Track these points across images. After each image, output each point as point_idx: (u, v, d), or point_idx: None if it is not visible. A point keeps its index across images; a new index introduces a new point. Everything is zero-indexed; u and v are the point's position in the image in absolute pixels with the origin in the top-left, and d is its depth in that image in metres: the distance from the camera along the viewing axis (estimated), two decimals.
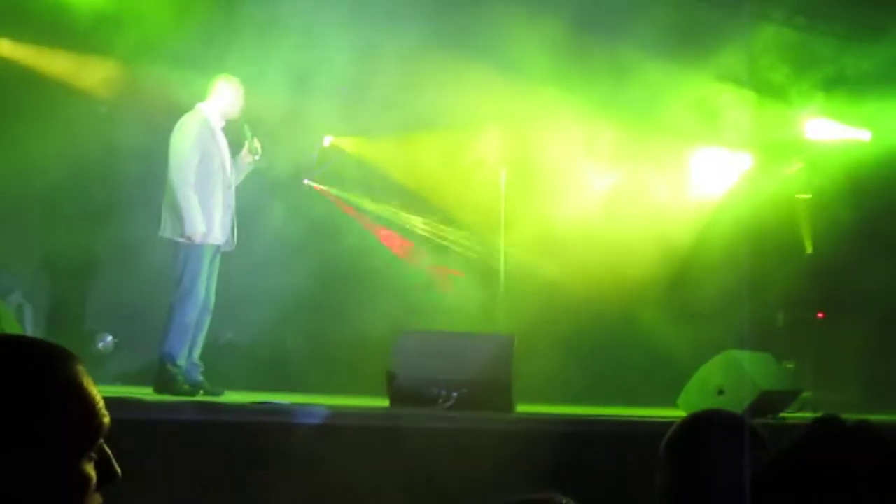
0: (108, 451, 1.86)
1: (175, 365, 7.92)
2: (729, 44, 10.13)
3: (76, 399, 1.80)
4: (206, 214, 7.95)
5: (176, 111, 8.37)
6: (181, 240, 7.93)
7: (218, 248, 8.15)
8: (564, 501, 1.87)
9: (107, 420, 1.86)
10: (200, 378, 8.07)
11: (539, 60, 10.00)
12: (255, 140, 8.28)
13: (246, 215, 8.61)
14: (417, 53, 9.87)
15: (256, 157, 8.31)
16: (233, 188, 8.22)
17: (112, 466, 1.86)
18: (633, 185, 11.47)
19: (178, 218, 7.91)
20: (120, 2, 9.36)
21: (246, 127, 8.29)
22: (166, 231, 8.03)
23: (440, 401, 7.23)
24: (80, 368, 1.84)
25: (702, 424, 2.94)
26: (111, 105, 10.48)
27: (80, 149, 10.00)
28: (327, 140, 11.69)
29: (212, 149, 8.06)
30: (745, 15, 9.77)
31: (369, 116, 11.18)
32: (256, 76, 8.97)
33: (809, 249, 12.36)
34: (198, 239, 7.90)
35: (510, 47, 9.89)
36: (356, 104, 10.89)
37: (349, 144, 11.85)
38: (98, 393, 1.86)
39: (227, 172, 8.16)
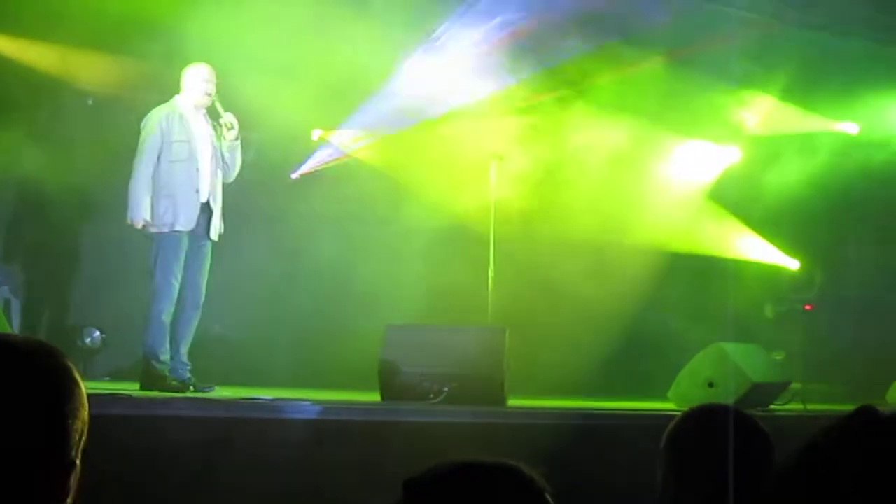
0: None
1: (158, 361, 7.85)
2: (716, 39, 10.11)
3: (75, 398, 1.81)
4: (169, 202, 7.90)
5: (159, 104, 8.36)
6: (138, 227, 7.94)
7: (199, 238, 8.06)
8: (523, 469, 1.84)
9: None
10: (188, 375, 7.99)
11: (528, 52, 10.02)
12: (228, 115, 8.14)
13: (233, 209, 8.54)
14: (407, 44, 9.85)
15: (232, 132, 8.14)
16: (212, 175, 8.09)
17: None
18: (622, 177, 11.45)
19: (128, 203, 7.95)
20: None
21: (216, 104, 8.15)
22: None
23: (432, 395, 7.21)
24: (70, 365, 1.85)
25: (703, 419, 2.93)
26: (98, 97, 10.41)
27: (65, 141, 9.97)
28: (316, 133, 11.65)
29: (179, 136, 7.99)
30: (733, 9, 9.76)
31: (359, 109, 11.15)
32: (243, 69, 8.92)
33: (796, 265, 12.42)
34: (139, 225, 7.88)
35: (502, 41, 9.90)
36: (345, 97, 10.85)
37: (337, 137, 11.81)
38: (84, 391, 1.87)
39: (203, 159, 8.05)
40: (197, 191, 8.00)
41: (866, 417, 1.59)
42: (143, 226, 7.91)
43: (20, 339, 1.90)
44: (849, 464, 1.52)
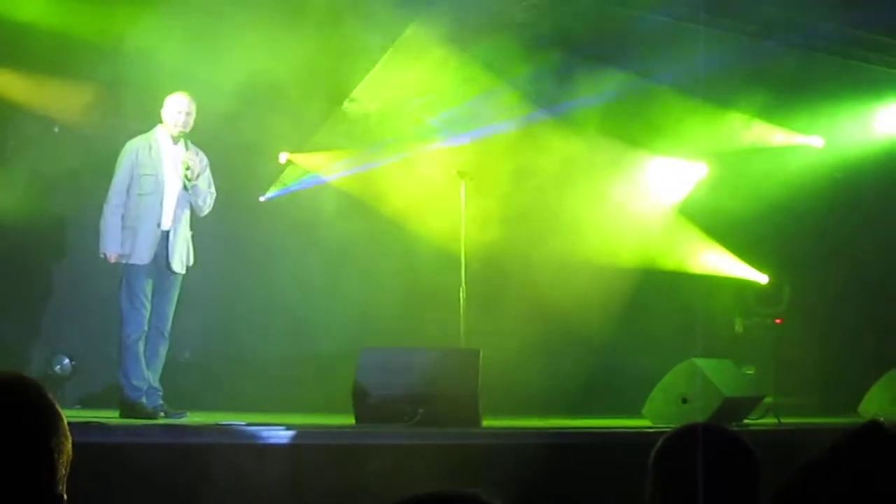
0: None
1: (131, 386, 7.87)
2: (682, 53, 10.16)
3: (59, 431, 1.79)
4: (130, 234, 7.95)
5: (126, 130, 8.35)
6: (111, 261, 8.01)
7: (164, 268, 8.03)
8: (483, 498, 1.83)
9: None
10: (160, 401, 8.00)
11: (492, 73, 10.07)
12: (188, 154, 8.04)
13: (202, 234, 8.52)
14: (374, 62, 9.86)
15: (189, 172, 8.04)
16: (176, 207, 8.06)
17: None
18: (593, 195, 11.49)
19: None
20: (77, 22, 9.22)
21: (183, 140, 8.10)
22: None
23: (406, 417, 7.19)
24: (50, 396, 1.84)
25: (690, 437, 2.91)
26: (64, 125, 10.35)
27: (32, 169, 9.91)
28: (283, 157, 11.63)
29: (146, 169, 8.00)
30: (699, 24, 9.81)
31: (325, 131, 11.15)
32: (213, 91, 8.89)
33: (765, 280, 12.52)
34: (111, 259, 7.95)
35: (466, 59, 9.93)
36: (312, 119, 10.84)
37: (305, 160, 11.79)
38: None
39: (168, 191, 8.03)
40: (158, 224, 8.00)
41: (873, 433, 1.58)
42: (116, 258, 7.96)
43: (2, 375, 1.87)
44: (858, 479, 1.51)
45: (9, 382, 1.82)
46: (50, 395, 1.85)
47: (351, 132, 11.38)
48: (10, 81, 9.96)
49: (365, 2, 9.50)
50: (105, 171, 8.24)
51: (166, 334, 8.11)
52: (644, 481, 2.91)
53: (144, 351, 7.99)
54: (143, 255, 7.94)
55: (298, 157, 11.71)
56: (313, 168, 11.71)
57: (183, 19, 8.95)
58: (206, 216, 8.43)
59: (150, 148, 8.06)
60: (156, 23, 9.02)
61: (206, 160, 8.26)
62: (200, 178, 8.12)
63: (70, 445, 1.84)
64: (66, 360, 9.95)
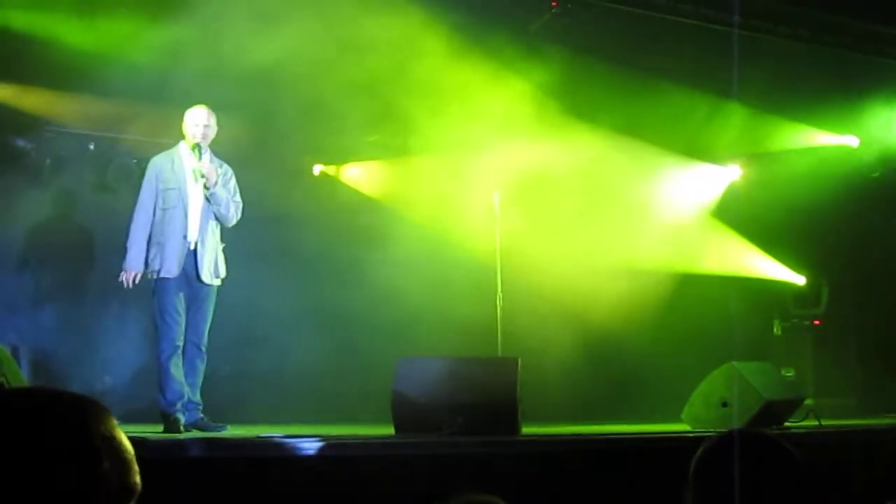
0: None
1: (165, 402, 7.88)
2: (714, 55, 10.12)
3: (118, 454, 1.72)
4: (157, 249, 7.94)
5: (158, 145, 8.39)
6: (129, 279, 7.98)
7: (195, 282, 8.01)
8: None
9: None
10: (200, 415, 8.00)
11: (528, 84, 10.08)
12: (201, 163, 7.99)
13: (238, 247, 8.54)
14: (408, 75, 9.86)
15: (204, 181, 8.00)
16: (201, 219, 8.02)
17: None
18: (626, 201, 11.46)
19: None
20: (106, 39, 9.28)
21: (197, 150, 8.05)
22: None
23: (446, 426, 7.19)
24: (114, 422, 1.77)
25: (732, 443, 2.88)
26: (99, 141, 10.44)
27: (74, 186, 9.99)
28: (317, 169, 11.67)
29: (169, 183, 8.02)
30: (733, 26, 9.77)
31: (360, 143, 11.18)
32: (247, 105, 8.93)
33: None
34: (129, 277, 7.92)
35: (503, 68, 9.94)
36: (345, 131, 10.86)
37: (338, 172, 11.83)
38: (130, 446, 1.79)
39: (192, 204, 8.01)
40: (184, 237, 7.99)
41: None
42: (134, 277, 7.95)
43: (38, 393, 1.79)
44: None
45: (45, 405, 1.72)
46: (99, 419, 1.74)
47: (385, 143, 11.41)
48: (45, 99, 10.06)
49: (398, 9, 9.52)
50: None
51: (203, 348, 8.09)
52: (684, 487, 2.88)
53: (182, 366, 8.00)
54: (171, 268, 7.92)
55: (332, 169, 11.75)
56: (346, 179, 11.75)
57: (213, 36, 9.00)
58: (242, 228, 8.43)
59: (173, 162, 8.07)
60: (186, 39, 9.08)
61: (230, 171, 8.25)
62: (219, 186, 8.08)
63: (127, 476, 1.74)
64: (105, 377, 10.02)
